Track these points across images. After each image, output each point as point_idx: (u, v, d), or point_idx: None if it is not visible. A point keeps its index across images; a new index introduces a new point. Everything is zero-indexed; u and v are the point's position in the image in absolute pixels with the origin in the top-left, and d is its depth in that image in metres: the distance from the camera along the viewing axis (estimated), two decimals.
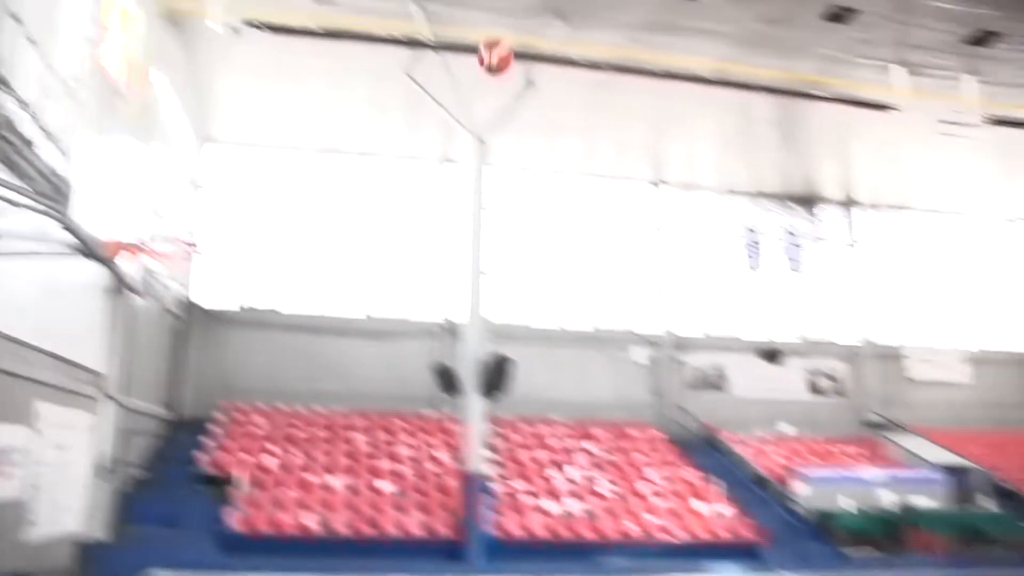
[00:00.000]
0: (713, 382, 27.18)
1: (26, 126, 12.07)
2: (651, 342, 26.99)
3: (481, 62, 10.44)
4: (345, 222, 26.28)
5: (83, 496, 15.44)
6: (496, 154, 20.83)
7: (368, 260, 26.13)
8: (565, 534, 18.54)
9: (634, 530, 18.90)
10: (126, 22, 15.87)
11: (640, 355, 26.69)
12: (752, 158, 26.88)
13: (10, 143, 11.34)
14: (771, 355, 27.24)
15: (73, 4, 13.89)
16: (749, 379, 27.26)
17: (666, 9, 18.45)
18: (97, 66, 14.61)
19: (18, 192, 8.81)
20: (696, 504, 20.34)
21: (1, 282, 11.32)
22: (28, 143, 12.21)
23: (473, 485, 17.76)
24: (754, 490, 22.01)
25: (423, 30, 18.55)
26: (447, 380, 18.93)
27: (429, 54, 19.10)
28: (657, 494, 20.72)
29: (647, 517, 19.38)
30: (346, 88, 22.40)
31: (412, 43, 18.89)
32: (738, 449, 24.34)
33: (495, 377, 18.12)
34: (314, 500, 18.54)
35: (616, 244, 27.90)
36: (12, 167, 11.47)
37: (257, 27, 17.30)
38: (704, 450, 24.44)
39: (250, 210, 25.86)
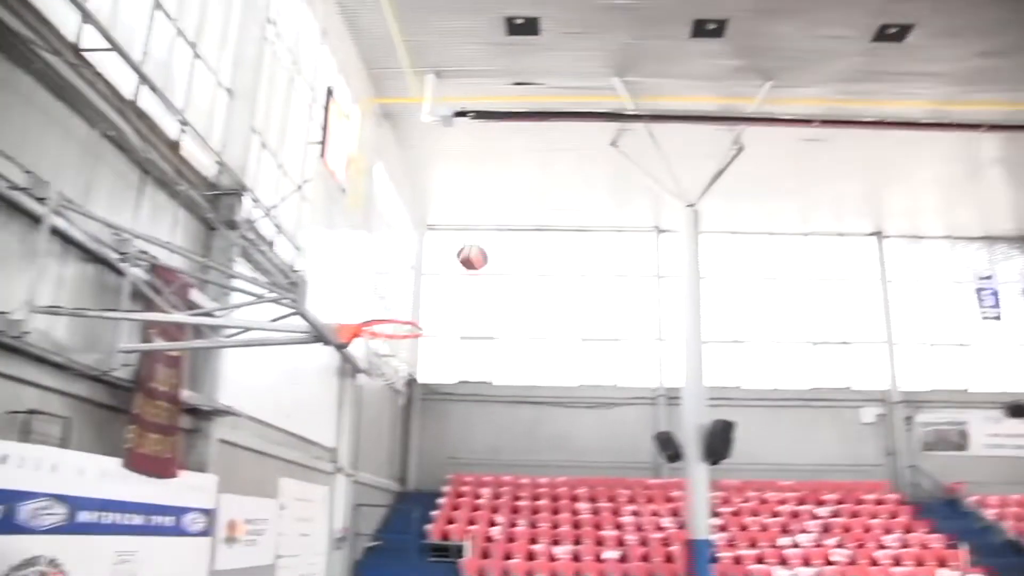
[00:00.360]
0: (951, 439, 25.25)
1: (264, 226, 13.36)
2: (880, 400, 25.48)
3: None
4: (559, 295, 26.82)
5: (321, 565, 16.39)
6: (708, 220, 20.69)
7: (583, 331, 26.45)
8: None
9: None
10: (346, 123, 17.23)
11: (868, 414, 25.28)
12: (981, 200, 25.09)
13: (251, 242, 12.60)
14: (1017, 410, 24.96)
15: (300, 112, 15.32)
16: (992, 436, 25.12)
17: (873, 56, 17.74)
18: (323, 166, 15.92)
19: (259, 286, 9.75)
20: (941, 572, 18.84)
21: (249, 371, 12.48)
22: (267, 241, 13.51)
23: (698, 551, 17.32)
24: (1008, 555, 20.04)
25: (626, 102, 18.87)
26: (669, 447, 18.70)
27: (634, 125, 19.39)
28: (895, 560, 19.33)
29: None
30: (554, 165, 23.01)
31: (616, 116, 19.22)
32: (985, 511, 22.35)
33: (717, 442, 17.70)
34: (540, 568, 18.73)
35: (838, 301, 26.75)
36: (254, 263, 12.72)
37: (465, 115, 18.20)
38: (945, 512, 22.66)
39: (467, 287, 26.93)
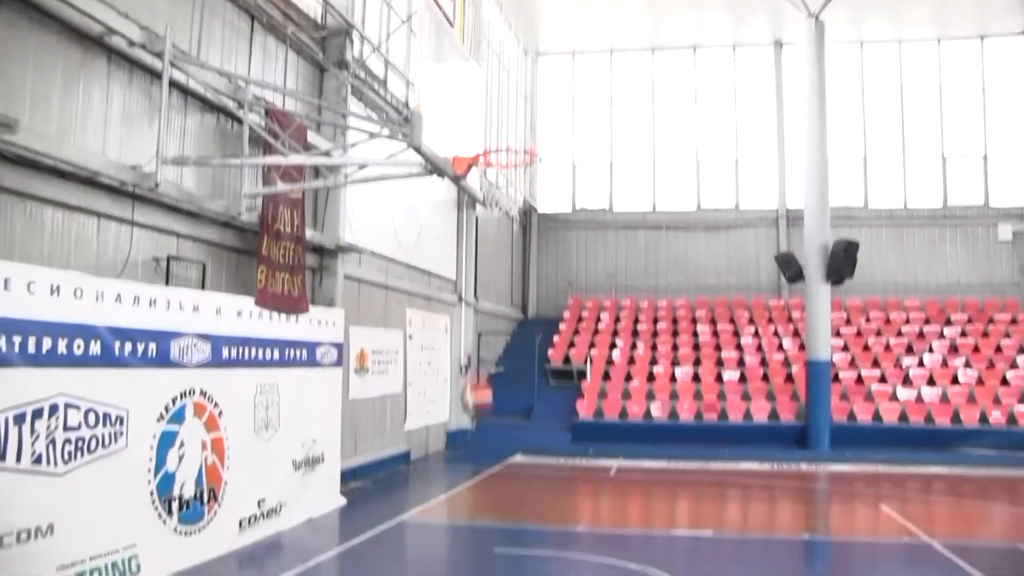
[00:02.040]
0: None
1: (374, 64, 13.42)
2: (1019, 216, 24.12)
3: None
4: (676, 117, 26.10)
5: (447, 391, 17.28)
6: (832, 30, 19.43)
7: (701, 153, 25.83)
8: (916, 420, 17.69)
9: (996, 417, 17.49)
10: None
11: (1006, 231, 24.01)
12: None
13: (362, 80, 12.71)
14: None
15: None
16: None
17: None
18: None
19: (373, 123, 9.92)
20: None
21: (369, 208, 12.87)
22: (378, 79, 13.59)
23: (818, 372, 17.41)
24: None
25: None
26: (790, 267, 18.49)
27: None
28: None
29: (1013, 404, 17.86)
30: None
31: None
32: None
33: (840, 262, 17.40)
34: (661, 389, 19.22)
35: (975, 112, 24.93)
36: (366, 101, 12.87)
37: None
38: None
39: (581, 114, 26.53)
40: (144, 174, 7.41)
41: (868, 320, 22.09)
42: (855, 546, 9.44)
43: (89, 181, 6.93)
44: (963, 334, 20.99)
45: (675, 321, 23.07)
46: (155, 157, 7.50)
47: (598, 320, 23.34)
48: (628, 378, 19.96)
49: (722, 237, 25.13)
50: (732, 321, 22.78)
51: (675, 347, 21.45)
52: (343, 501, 10.70)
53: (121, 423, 6.63)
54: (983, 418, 17.48)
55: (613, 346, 21.64)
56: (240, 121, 9.07)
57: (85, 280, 6.34)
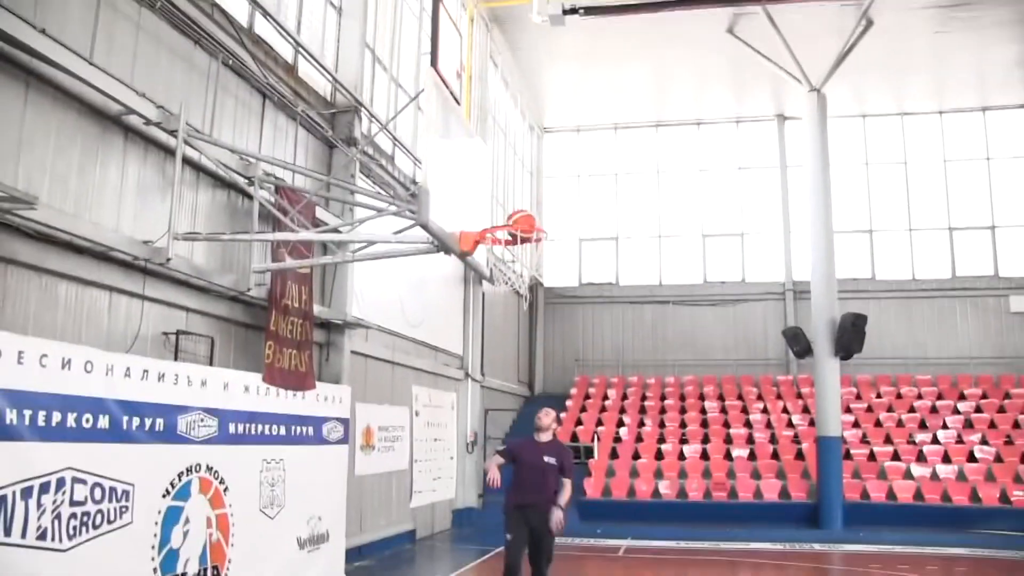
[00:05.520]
0: None
1: (382, 141, 13.60)
2: None
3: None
4: (680, 192, 26.31)
5: (453, 468, 17.08)
6: (834, 104, 19.62)
7: (706, 227, 25.94)
8: (932, 498, 17.36)
9: (1019, 496, 17.01)
10: (456, 30, 17.11)
11: (1019, 302, 23.73)
12: None
13: (370, 157, 12.87)
14: None
15: (409, 24, 15.32)
16: None
17: None
18: (435, 76, 15.95)
19: (381, 200, 10.00)
20: None
21: (377, 284, 12.91)
22: (386, 155, 13.77)
23: (829, 449, 17.17)
24: None
25: None
26: (798, 342, 18.38)
27: (751, 8, 18.49)
28: None
29: None
30: (669, 59, 22.07)
31: (733, 0, 18.36)
32: None
33: (848, 336, 17.27)
34: (669, 467, 18.97)
35: (980, 183, 24.96)
36: (374, 178, 13.00)
37: (576, 12, 17.69)
38: None
39: (587, 189, 26.78)
40: (156, 249, 7.46)
41: (879, 396, 21.81)
42: None
43: (102, 256, 6.96)
44: (978, 410, 20.55)
45: (683, 398, 22.87)
46: (167, 232, 7.55)
47: (605, 397, 23.18)
48: (636, 456, 19.72)
49: (729, 311, 25.07)
50: (740, 398, 22.58)
51: (683, 424, 21.23)
52: None
53: (127, 498, 6.53)
54: (1004, 497, 17.06)
55: (620, 424, 21.42)
56: (250, 197, 9.16)
57: (96, 354, 6.32)
